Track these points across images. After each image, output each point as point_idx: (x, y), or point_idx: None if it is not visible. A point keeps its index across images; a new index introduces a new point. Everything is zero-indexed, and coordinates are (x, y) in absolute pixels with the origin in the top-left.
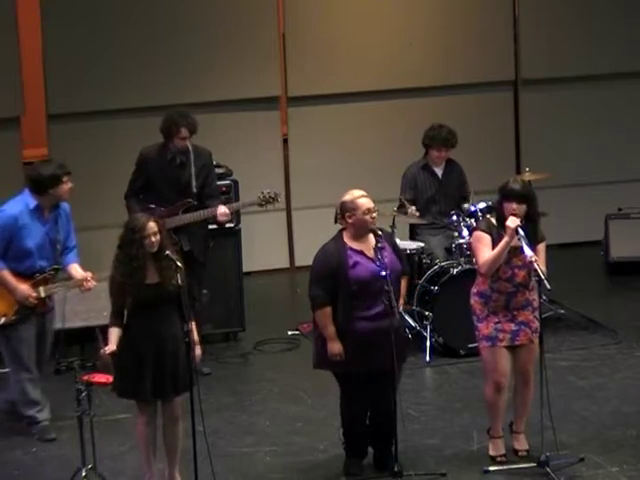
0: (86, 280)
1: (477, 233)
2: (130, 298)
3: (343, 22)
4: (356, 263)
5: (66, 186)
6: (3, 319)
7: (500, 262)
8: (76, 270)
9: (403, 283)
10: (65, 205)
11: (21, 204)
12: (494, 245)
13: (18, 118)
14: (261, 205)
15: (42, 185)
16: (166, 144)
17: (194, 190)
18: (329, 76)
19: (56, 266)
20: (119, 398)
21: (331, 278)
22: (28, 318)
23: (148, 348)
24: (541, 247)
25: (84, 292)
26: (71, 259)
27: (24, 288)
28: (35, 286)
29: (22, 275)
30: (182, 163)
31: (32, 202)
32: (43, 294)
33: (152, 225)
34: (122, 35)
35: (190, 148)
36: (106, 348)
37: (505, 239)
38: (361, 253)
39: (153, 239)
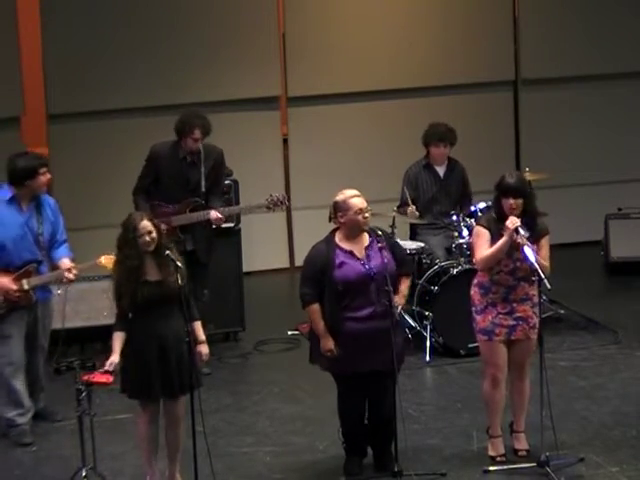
0: (68, 271)
1: (476, 228)
2: (129, 298)
3: (343, 22)
4: (342, 263)
5: (43, 177)
6: None
7: (497, 260)
8: (64, 263)
9: (405, 283)
10: (50, 199)
11: None
12: (493, 240)
13: (18, 118)
14: (269, 208)
15: (18, 177)
16: (178, 143)
17: (203, 190)
18: (329, 76)
19: (39, 258)
20: (121, 398)
21: (318, 277)
22: (14, 313)
23: (150, 347)
24: (544, 242)
25: (67, 283)
26: (62, 253)
27: (5, 281)
28: (17, 279)
29: (3, 269)
30: (193, 162)
31: (7, 194)
32: (26, 286)
33: (145, 224)
34: (122, 35)
35: (201, 148)
36: (108, 363)
37: (503, 239)
38: (350, 253)
39: (147, 238)
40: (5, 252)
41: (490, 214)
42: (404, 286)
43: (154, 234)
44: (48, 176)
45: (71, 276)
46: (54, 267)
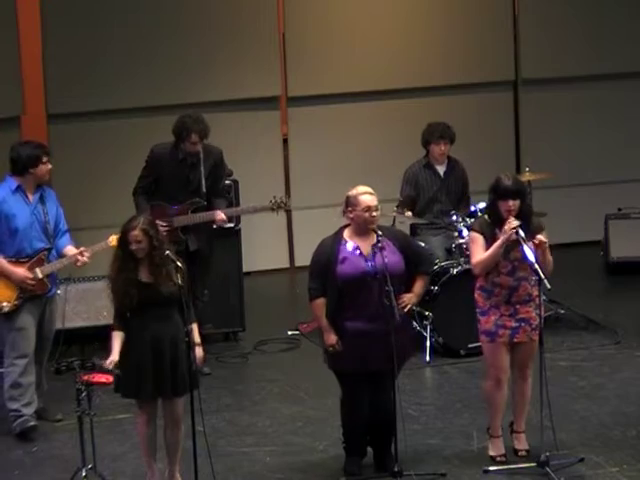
0: (80, 254)
1: (470, 234)
2: (121, 297)
3: (343, 22)
4: (345, 259)
5: (45, 166)
6: (6, 306)
7: (494, 263)
8: (71, 250)
9: (419, 283)
10: (50, 190)
11: (4, 188)
12: (487, 244)
13: (18, 118)
14: (272, 210)
15: (22, 165)
16: (177, 144)
17: (203, 190)
18: (329, 76)
19: (49, 246)
20: (121, 398)
21: (322, 272)
22: (26, 305)
23: (144, 348)
24: (541, 238)
25: (80, 266)
26: (65, 242)
27: (20, 271)
28: (31, 268)
29: (16, 259)
30: (193, 164)
31: (13, 184)
32: (40, 275)
33: (134, 234)
34: (122, 35)
35: (200, 149)
36: (107, 362)
37: (499, 241)
38: (356, 249)
39: (134, 247)
40: (17, 239)
41: (483, 217)
42: (418, 285)
43: (143, 244)
44: (50, 165)
45: (84, 259)
46: (60, 257)
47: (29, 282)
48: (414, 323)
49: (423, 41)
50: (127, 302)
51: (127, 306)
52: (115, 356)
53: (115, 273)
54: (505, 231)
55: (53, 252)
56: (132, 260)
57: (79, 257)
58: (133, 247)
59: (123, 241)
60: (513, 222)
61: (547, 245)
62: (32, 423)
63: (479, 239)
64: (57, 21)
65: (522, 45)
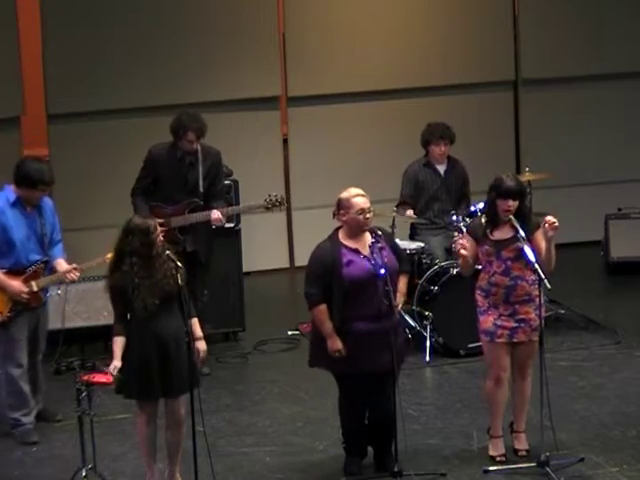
0: (69, 272)
1: (464, 234)
2: (139, 299)
3: (343, 22)
4: (350, 261)
5: (37, 193)
6: None
7: (468, 267)
8: (61, 265)
9: (404, 281)
10: (48, 200)
11: (2, 199)
12: (481, 245)
13: (18, 118)
14: (267, 209)
15: (18, 178)
16: (175, 144)
17: (201, 190)
18: (329, 76)
19: (45, 259)
20: (124, 399)
21: (325, 276)
22: (21, 316)
23: (150, 347)
24: (539, 235)
25: (69, 282)
26: (57, 253)
27: (16, 284)
28: (26, 281)
29: (12, 271)
30: (191, 163)
31: (12, 196)
32: (35, 288)
33: (157, 224)
34: (122, 35)
35: (199, 148)
36: (111, 367)
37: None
38: (356, 251)
39: (161, 237)
40: (14, 252)
41: (479, 219)
42: (402, 284)
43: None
44: (44, 194)
45: (73, 276)
46: (51, 270)
47: (24, 295)
48: (414, 323)
49: (423, 41)
50: (129, 303)
51: (128, 307)
52: (117, 362)
53: (119, 275)
54: (456, 252)
55: (49, 264)
56: (153, 258)
57: (68, 275)
58: (161, 237)
59: (145, 242)
60: (460, 241)
61: (556, 225)
62: (32, 439)
63: (468, 240)
64: (57, 21)
65: (522, 45)
